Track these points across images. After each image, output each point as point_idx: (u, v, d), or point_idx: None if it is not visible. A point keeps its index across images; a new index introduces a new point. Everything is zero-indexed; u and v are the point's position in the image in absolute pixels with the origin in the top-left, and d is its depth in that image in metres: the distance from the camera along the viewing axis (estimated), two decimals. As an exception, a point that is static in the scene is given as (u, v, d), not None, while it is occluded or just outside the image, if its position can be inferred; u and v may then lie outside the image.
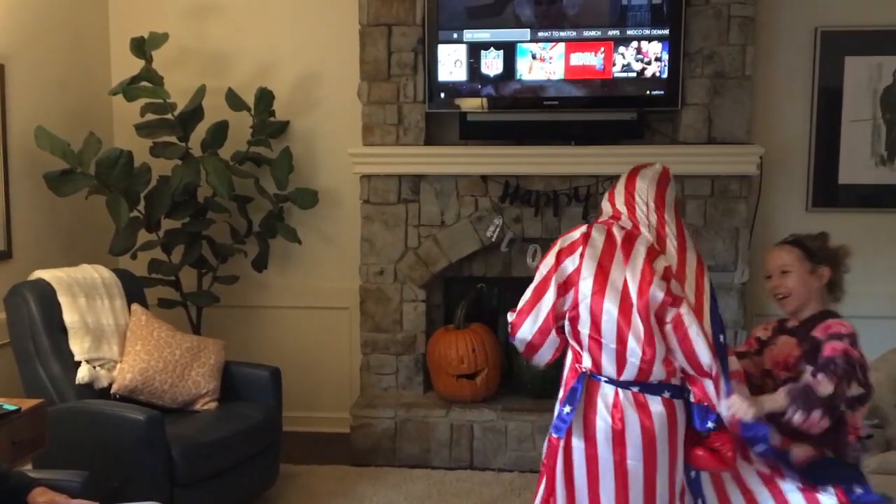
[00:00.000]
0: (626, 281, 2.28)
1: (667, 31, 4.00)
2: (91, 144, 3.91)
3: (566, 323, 2.39)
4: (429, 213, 4.25)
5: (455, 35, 4.09)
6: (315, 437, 4.54)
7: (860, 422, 2.34)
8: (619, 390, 2.31)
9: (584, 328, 2.33)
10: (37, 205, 3.96)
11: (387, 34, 4.18)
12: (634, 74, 4.04)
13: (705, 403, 2.27)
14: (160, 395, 3.50)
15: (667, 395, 2.31)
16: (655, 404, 2.29)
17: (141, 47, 4.08)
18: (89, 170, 3.91)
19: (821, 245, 2.47)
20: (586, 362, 2.38)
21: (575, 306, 2.35)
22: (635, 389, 2.30)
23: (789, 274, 2.45)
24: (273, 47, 4.53)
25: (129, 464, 3.09)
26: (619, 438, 2.30)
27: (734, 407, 2.22)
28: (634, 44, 4.02)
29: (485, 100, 4.14)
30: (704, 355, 2.22)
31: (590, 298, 2.31)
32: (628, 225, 2.43)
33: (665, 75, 4.02)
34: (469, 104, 4.16)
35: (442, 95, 4.15)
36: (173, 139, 4.25)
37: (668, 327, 2.25)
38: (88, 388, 3.37)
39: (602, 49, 4.04)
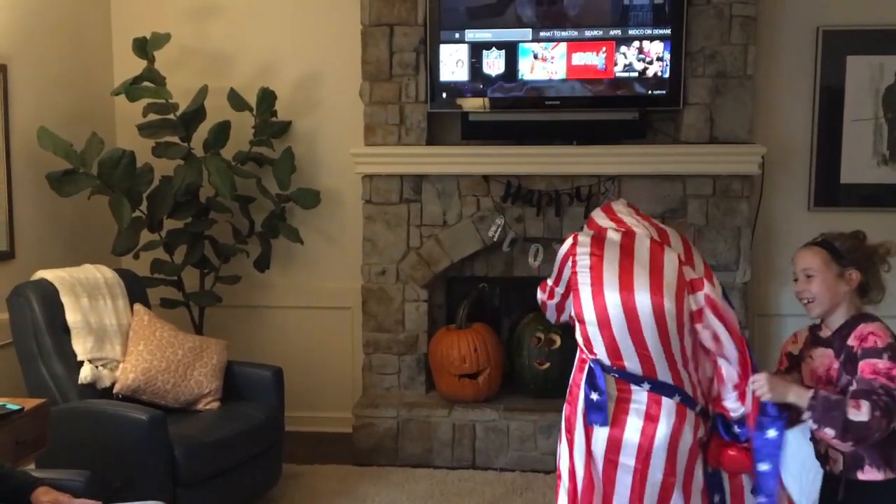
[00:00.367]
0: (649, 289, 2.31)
1: (668, 31, 4.00)
2: (93, 145, 3.92)
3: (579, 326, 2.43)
4: (431, 212, 4.25)
5: (457, 35, 4.10)
6: (317, 437, 4.55)
7: None
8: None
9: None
10: (39, 205, 3.97)
11: (388, 34, 4.18)
12: (636, 74, 4.04)
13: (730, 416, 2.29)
14: (163, 394, 3.50)
15: (677, 398, 2.32)
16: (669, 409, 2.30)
17: (143, 48, 4.09)
18: (92, 170, 3.91)
19: (853, 246, 2.30)
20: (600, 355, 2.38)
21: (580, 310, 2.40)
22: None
23: (814, 278, 2.28)
24: (275, 47, 4.54)
25: (132, 463, 3.09)
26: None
27: (758, 383, 2.20)
28: (636, 43, 4.02)
29: (486, 100, 4.14)
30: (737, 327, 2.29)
31: (621, 306, 2.32)
32: (619, 230, 2.49)
33: (667, 75, 4.02)
34: (471, 104, 4.16)
35: (444, 95, 4.15)
36: (175, 139, 4.26)
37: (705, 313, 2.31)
38: (91, 388, 3.37)
39: (604, 49, 4.04)
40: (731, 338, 2.29)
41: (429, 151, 4.22)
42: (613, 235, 2.46)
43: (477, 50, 4.09)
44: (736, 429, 2.29)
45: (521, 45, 4.07)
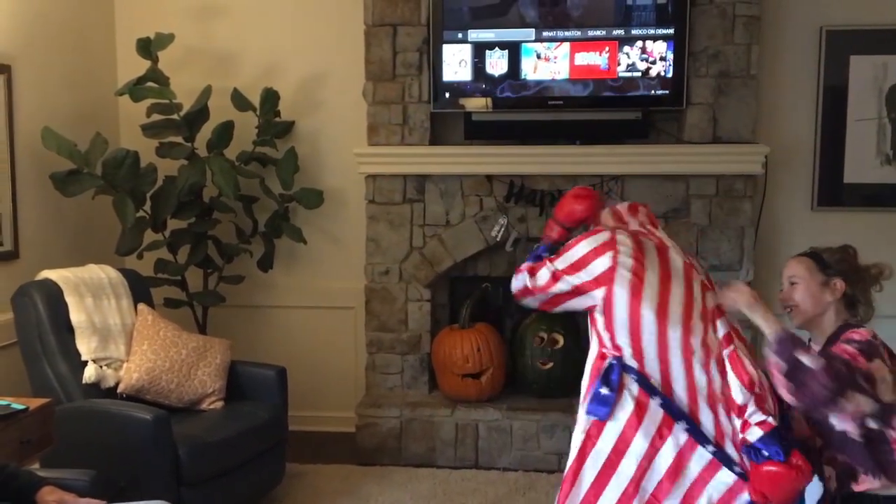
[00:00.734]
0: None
1: (672, 31, 4.00)
2: (97, 145, 3.92)
3: (600, 316, 2.40)
4: (434, 212, 4.25)
5: (460, 35, 4.10)
6: (321, 437, 4.55)
7: None
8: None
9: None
10: (44, 205, 3.98)
11: (392, 34, 4.18)
12: (639, 74, 4.04)
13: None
14: (166, 394, 3.51)
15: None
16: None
17: (147, 48, 4.09)
18: (96, 170, 3.92)
19: (840, 257, 2.31)
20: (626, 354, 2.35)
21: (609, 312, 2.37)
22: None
23: (797, 285, 2.31)
24: (278, 48, 4.54)
25: (136, 463, 3.10)
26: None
27: (738, 292, 2.26)
28: (639, 43, 4.02)
29: (489, 99, 4.14)
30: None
31: (655, 330, 2.30)
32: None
33: (670, 75, 4.02)
34: (474, 104, 4.17)
35: (447, 95, 4.16)
36: (179, 139, 4.26)
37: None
38: (95, 388, 3.38)
39: (607, 49, 4.04)
40: (744, 389, 2.24)
41: (432, 151, 4.22)
42: (647, 242, 2.44)
43: (480, 50, 4.10)
44: (764, 451, 2.18)
45: (524, 45, 4.07)
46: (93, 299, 3.54)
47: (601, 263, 2.39)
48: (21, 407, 2.74)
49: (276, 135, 4.38)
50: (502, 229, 4.17)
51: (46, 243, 4.01)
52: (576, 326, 4.20)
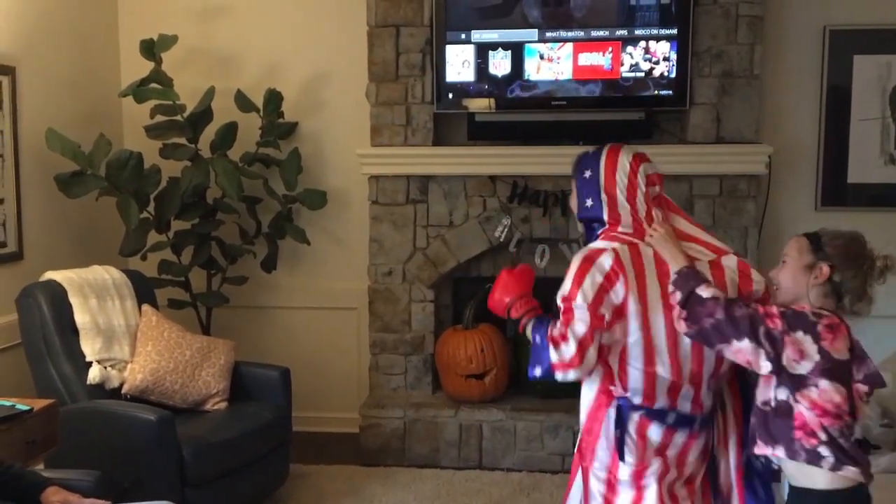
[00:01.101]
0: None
1: (675, 31, 4.00)
2: (101, 146, 3.93)
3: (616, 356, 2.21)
4: (437, 213, 4.25)
5: (463, 36, 4.10)
6: (324, 437, 4.55)
7: (813, 417, 1.99)
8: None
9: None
10: (48, 206, 3.98)
11: (395, 35, 4.19)
12: (643, 74, 4.04)
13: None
14: (171, 395, 3.51)
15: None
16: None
17: (150, 49, 4.10)
18: (99, 171, 3.93)
19: (838, 243, 2.12)
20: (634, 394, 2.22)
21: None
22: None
23: (785, 265, 2.15)
24: (281, 49, 4.55)
25: (141, 463, 3.10)
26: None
27: (655, 230, 2.20)
28: (642, 43, 4.02)
29: (493, 100, 4.14)
30: None
31: (664, 333, 2.17)
32: (630, 230, 2.27)
33: (673, 75, 4.02)
34: (477, 105, 4.17)
35: (450, 96, 4.16)
36: (183, 141, 4.27)
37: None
38: (99, 389, 3.39)
39: (610, 49, 4.04)
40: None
41: (435, 152, 4.22)
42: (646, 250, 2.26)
43: (483, 50, 4.10)
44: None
45: (527, 45, 4.07)
46: (97, 300, 3.54)
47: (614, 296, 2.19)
48: (25, 408, 2.74)
49: (279, 136, 4.39)
50: (505, 230, 4.17)
51: (50, 244, 4.02)
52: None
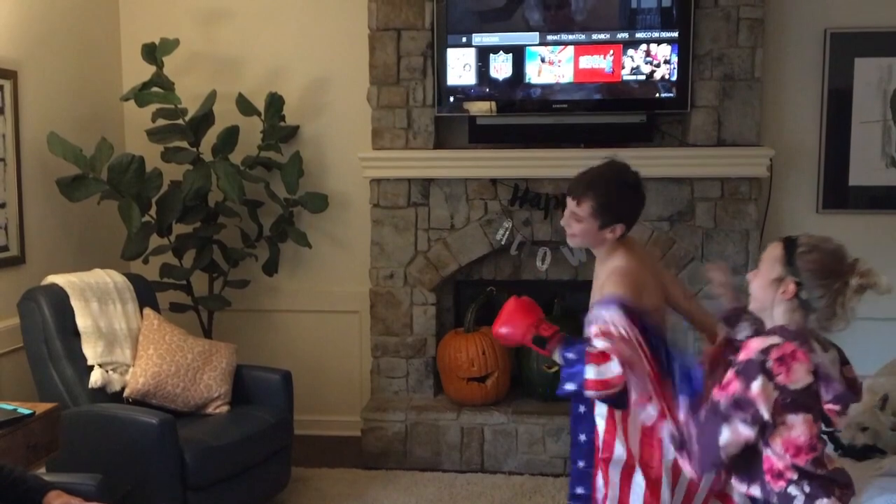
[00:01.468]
0: None
1: (676, 34, 4.00)
2: (103, 150, 3.93)
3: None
4: (438, 216, 4.26)
5: (464, 39, 4.11)
6: (326, 441, 4.55)
7: (782, 459, 1.88)
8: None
9: None
10: (49, 210, 3.99)
11: (396, 38, 4.19)
12: (644, 77, 4.04)
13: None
14: (172, 398, 3.51)
15: None
16: None
17: (152, 53, 4.11)
18: (101, 175, 3.93)
19: (810, 258, 1.97)
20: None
21: None
22: None
23: (758, 272, 2.03)
24: (283, 52, 4.55)
25: (143, 467, 3.11)
26: None
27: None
28: (643, 46, 4.02)
29: (494, 103, 4.15)
30: None
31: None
32: None
33: (674, 78, 4.03)
34: (478, 108, 4.17)
35: (451, 99, 4.16)
36: (184, 144, 4.28)
37: None
38: (101, 392, 3.39)
39: (611, 52, 4.04)
40: None
41: (436, 155, 4.23)
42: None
43: (484, 54, 4.10)
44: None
45: (528, 48, 4.08)
46: (98, 304, 3.55)
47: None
48: (27, 412, 2.75)
49: (280, 139, 4.39)
50: (507, 233, 4.17)
51: (52, 248, 4.02)
52: (581, 330, 4.18)
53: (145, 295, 3.81)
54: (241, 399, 3.71)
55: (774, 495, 1.90)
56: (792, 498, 1.87)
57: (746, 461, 1.93)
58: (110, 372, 3.45)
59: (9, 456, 2.52)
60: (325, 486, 3.97)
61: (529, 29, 4.07)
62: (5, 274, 3.67)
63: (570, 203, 2.48)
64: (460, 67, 4.12)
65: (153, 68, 4.13)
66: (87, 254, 4.21)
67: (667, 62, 4.02)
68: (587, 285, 2.69)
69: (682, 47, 4.00)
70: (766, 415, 1.83)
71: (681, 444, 1.95)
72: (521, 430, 4.11)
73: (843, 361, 1.98)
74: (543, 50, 4.07)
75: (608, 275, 2.43)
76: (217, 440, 3.32)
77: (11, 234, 3.73)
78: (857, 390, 1.97)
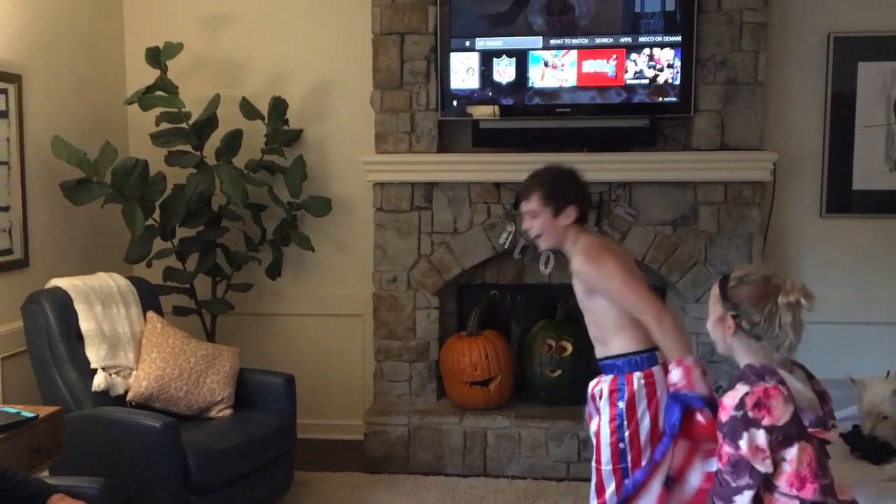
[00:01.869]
0: None
1: (679, 38, 4.00)
2: (107, 153, 3.94)
3: None
4: (441, 220, 4.26)
5: (467, 43, 4.11)
6: (329, 445, 4.55)
7: (794, 501, 1.87)
8: None
9: None
10: (53, 213, 4.00)
11: (399, 43, 4.20)
12: (647, 81, 4.04)
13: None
14: (175, 402, 3.51)
15: None
16: None
17: (156, 57, 4.12)
18: (105, 179, 3.94)
19: (738, 291, 1.98)
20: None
21: None
22: None
23: (708, 317, 2.05)
24: (286, 56, 4.56)
25: (145, 470, 3.10)
26: None
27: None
28: (647, 51, 4.02)
29: (497, 107, 4.15)
30: None
31: None
32: None
33: (677, 82, 4.03)
34: (481, 112, 4.18)
35: (454, 103, 4.17)
36: (188, 148, 4.28)
37: None
38: (104, 396, 3.39)
39: (614, 56, 4.04)
40: None
41: (439, 159, 4.23)
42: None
43: (487, 58, 4.10)
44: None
45: (531, 52, 4.08)
46: (102, 307, 3.55)
47: None
48: (31, 415, 2.75)
49: (284, 143, 4.40)
50: (510, 237, 4.17)
51: (56, 252, 4.03)
52: (584, 334, 4.18)
53: (148, 298, 3.81)
54: (244, 403, 3.71)
55: None
56: None
57: None
58: (113, 375, 3.45)
59: (12, 459, 2.53)
60: (327, 490, 3.96)
61: (533, 33, 4.08)
62: (9, 277, 3.67)
63: (523, 205, 2.69)
64: (463, 71, 4.13)
65: (157, 72, 4.14)
66: (91, 257, 4.22)
67: (670, 66, 4.02)
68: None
69: (686, 51, 4.00)
70: (762, 468, 1.84)
71: None
72: (525, 435, 4.11)
73: (810, 376, 2.01)
74: (547, 54, 4.08)
75: (573, 257, 2.59)
76: (220, 444, 3.32)
77: (15, 237, 3.73)
78: (826, 400, 1.99)
